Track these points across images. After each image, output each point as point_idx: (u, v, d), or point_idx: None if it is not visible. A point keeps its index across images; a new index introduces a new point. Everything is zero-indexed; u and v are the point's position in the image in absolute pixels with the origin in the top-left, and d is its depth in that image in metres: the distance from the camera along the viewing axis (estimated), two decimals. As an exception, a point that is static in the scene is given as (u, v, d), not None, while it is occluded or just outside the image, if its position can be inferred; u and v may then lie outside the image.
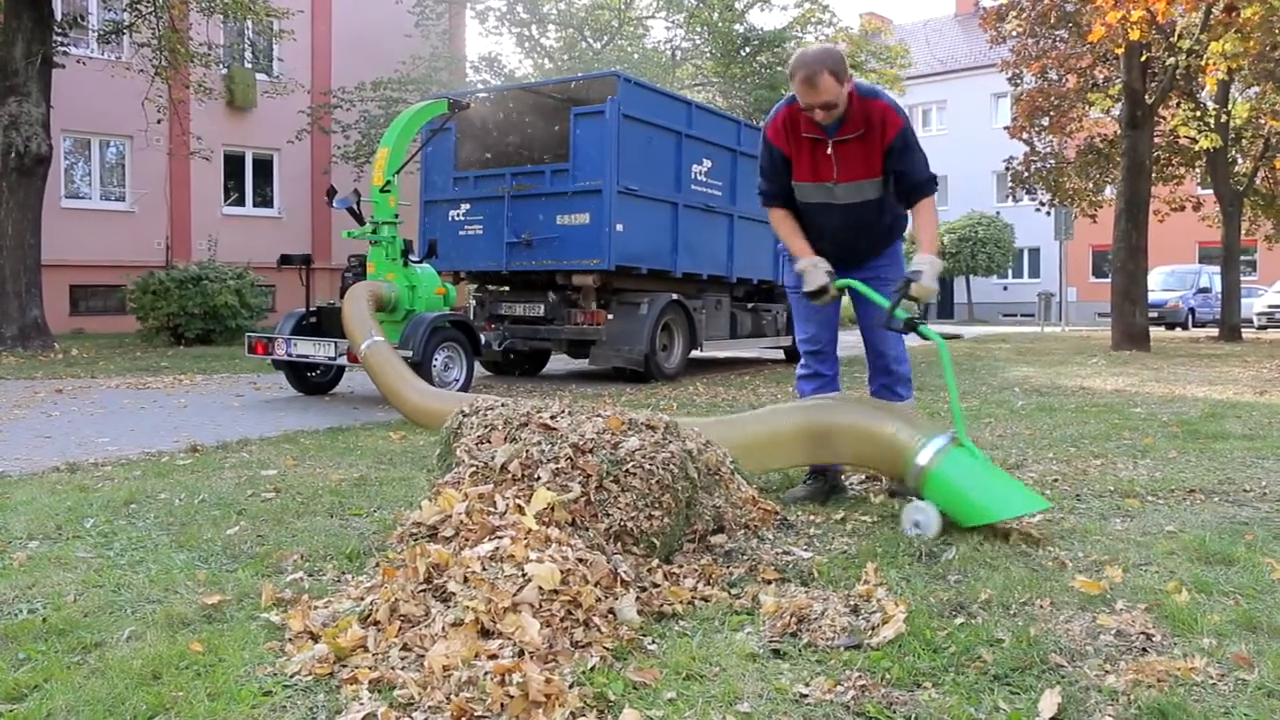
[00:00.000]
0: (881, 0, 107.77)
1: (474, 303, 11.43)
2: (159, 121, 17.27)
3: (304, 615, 2.70)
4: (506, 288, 11.62)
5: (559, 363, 13.12)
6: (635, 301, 10.54)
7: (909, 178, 4.18)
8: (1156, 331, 20.49)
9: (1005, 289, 41.70)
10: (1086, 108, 20.20)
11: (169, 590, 3.08)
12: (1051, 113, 19.46)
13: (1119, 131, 18.19)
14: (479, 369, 9.60)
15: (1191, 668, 2.42)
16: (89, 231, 20.40)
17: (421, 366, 8.16)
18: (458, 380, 8.82)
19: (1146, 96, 16.84)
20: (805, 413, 4.17)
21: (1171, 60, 16.17)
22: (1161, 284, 28.88)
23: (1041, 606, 2.89)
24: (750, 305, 12.85)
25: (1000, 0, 19.11)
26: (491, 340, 10.30)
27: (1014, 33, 19.07)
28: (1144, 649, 2.57)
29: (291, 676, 2.41)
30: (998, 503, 3.63)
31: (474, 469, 3.16)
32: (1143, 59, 16.40)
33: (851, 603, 2.89)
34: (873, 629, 2.69)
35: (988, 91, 41.01)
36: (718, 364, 13.37)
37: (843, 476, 4.55)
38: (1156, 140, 18.50)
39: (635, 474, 3.12)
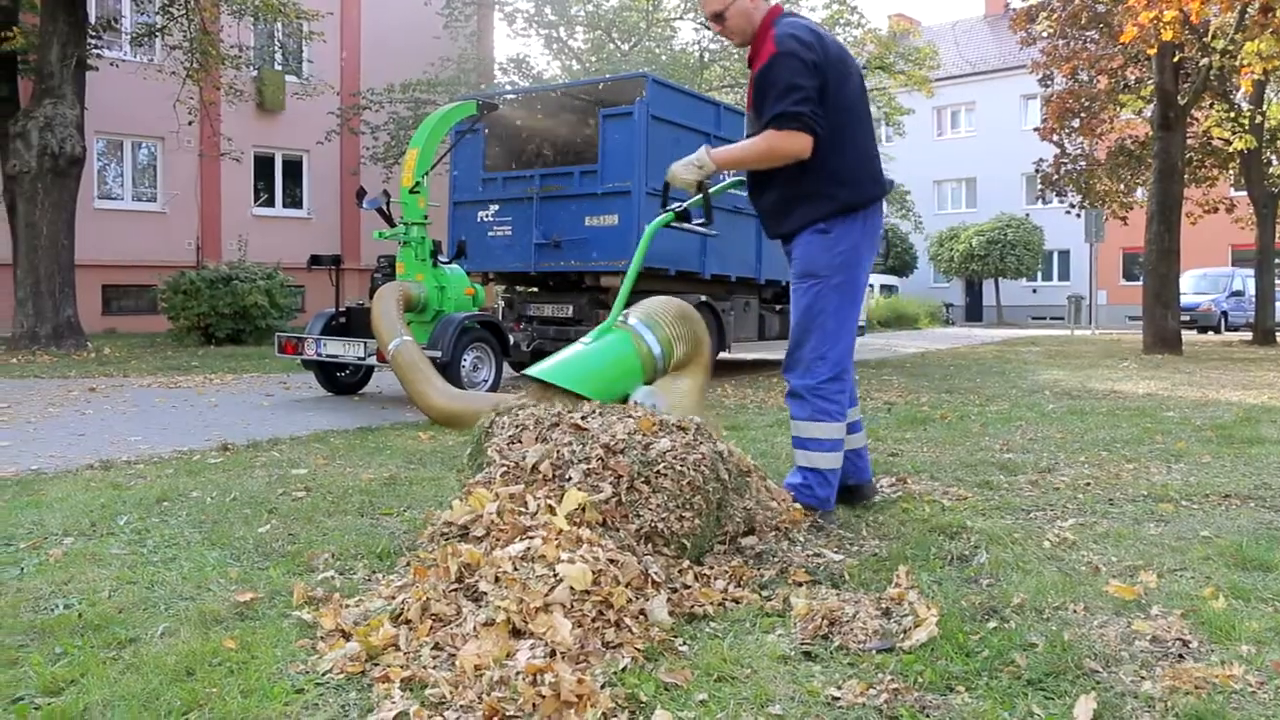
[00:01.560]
0: (910, 1, 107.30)
1: (502, 303, 11.44)
2: (190, 123, 17.41)
3: (336, 613, 2.71)
4: (535, 289, 11.63)
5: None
6: (663, 301, 10.53)
7: (760, 116, 3.79)
8: (1188, 335, 20.31)
9: (1034, 292, 41.43)
10: (1117, 109, 20.04)
11: (202, 587, 3.10)
12: (1082, 114, 19.33)
13: (1150, 133, 18.03)
14: (507, 370, 9.61)
15: (1230, 675, 2.38)
16: (121, 232, 20.62)
17: (450, 367, 8.18)
18: (486, 381, 8.84)
19: (1179, 97, 16.68)
20: None
21: (1205, 61, 16.01)
22: (1194, 287, 28.62)
23: (1075, 611, 2.86)
24: (779, 307, 12.81)
25: (1031, 1, 19.00)
26: (520, 341, 10.32)
27: (1044, 34, 18.95)
28: (1180, 655, 2.54)
29: (323, 674, 2.42)
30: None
31: (505, 469, 3.16)
32: (1175, 59, 16.26)
33: (883, 605, 2.87)
34: (905, 632, 2.67)
35: (1017, 93, 40.78)
36: (746, 366, 13.35)
37: (874, 481, 4.49)
38: (1189, 141, 18.31)
39: (666, 475, 3.11)
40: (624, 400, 3.82)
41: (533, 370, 3.77)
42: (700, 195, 4.01)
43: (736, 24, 3.95)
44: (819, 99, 3.70)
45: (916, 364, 14.28)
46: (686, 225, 4.14)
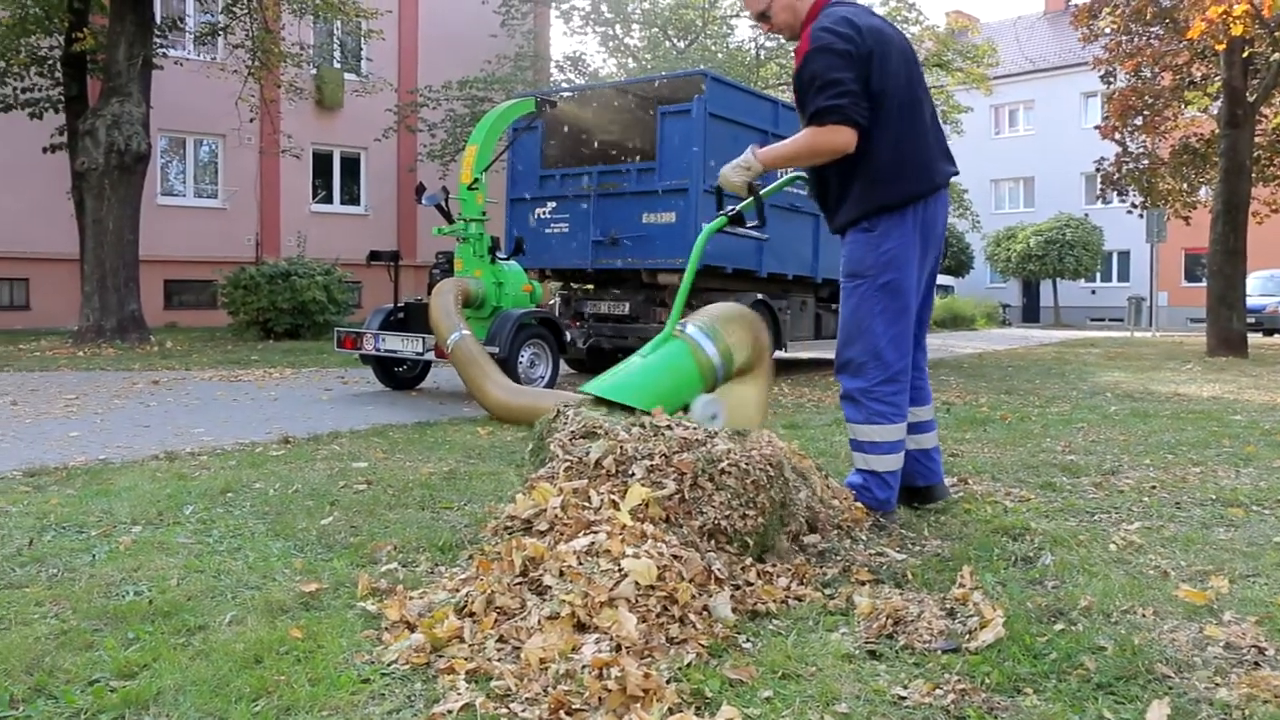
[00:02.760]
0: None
1: (559, 300, 11.48)
2: (251, 120, 17.66)
3: (400, 605, 2.73)
4: (591, 286, 11.66)
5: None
6: (720, 301, 10.51)
7: (801, 113, 3.78)
8: (1254, 338, 19.89)
9: (1093, 293, 40.83)
10: (1182, 106, 19.65)
11: (267, 577, 3.15)
12: (1145, 112, 18.96)
13: (1216, 130, 17.67)
14: (563, 366, 9.65)
15: (1309, 684, 2.33)
16: (183, 228, 20.97)
17: (508, 363, 8.23)
18: (543, 377, 8.87)
19: (1248, 94, 16.33)
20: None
21: (1276, 56, 15.65)
22: (1260, 289, 27.97)
23: (1144, 615, 2.81)
24: (835, 306, 12.71)
25: (1093, -3, 18.68)
26: (576, 338, 10.35)
27: (1107, 30, 18.63)
28: (1256, 663, 2.48)
29: (389, 665, 2.44)
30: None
31: (569, 464, 3.17)
32: (1244, 55, 15.91)
33: (947, 606, 2.84)
34: (970, 633, 2.64)
35: (1077, 90, 40.20)
36: (803, 365, 13.28)
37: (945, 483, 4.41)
38: (1257, 139, 17.90)
39: (730, 473, 3.10)
40: (684, 410, 3.81)
41: (589, 386, 3.75)
42: (752, 198, 3.98)
43: (782, 19, 3.93)
44: (862, 90, 3.65)
45: (974, 365, 14.12)
46: (740, 230, 4.12)
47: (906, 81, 3.81)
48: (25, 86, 16.82)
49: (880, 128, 3.71)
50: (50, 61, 16.90)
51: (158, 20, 16.46)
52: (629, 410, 3.58)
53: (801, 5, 3.88)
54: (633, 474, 3.06)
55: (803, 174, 4.22)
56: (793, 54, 4.07)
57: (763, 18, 3.97)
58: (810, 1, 3.88)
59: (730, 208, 4.09)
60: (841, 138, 3.64)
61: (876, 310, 3.76)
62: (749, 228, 4.10)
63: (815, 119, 3.65)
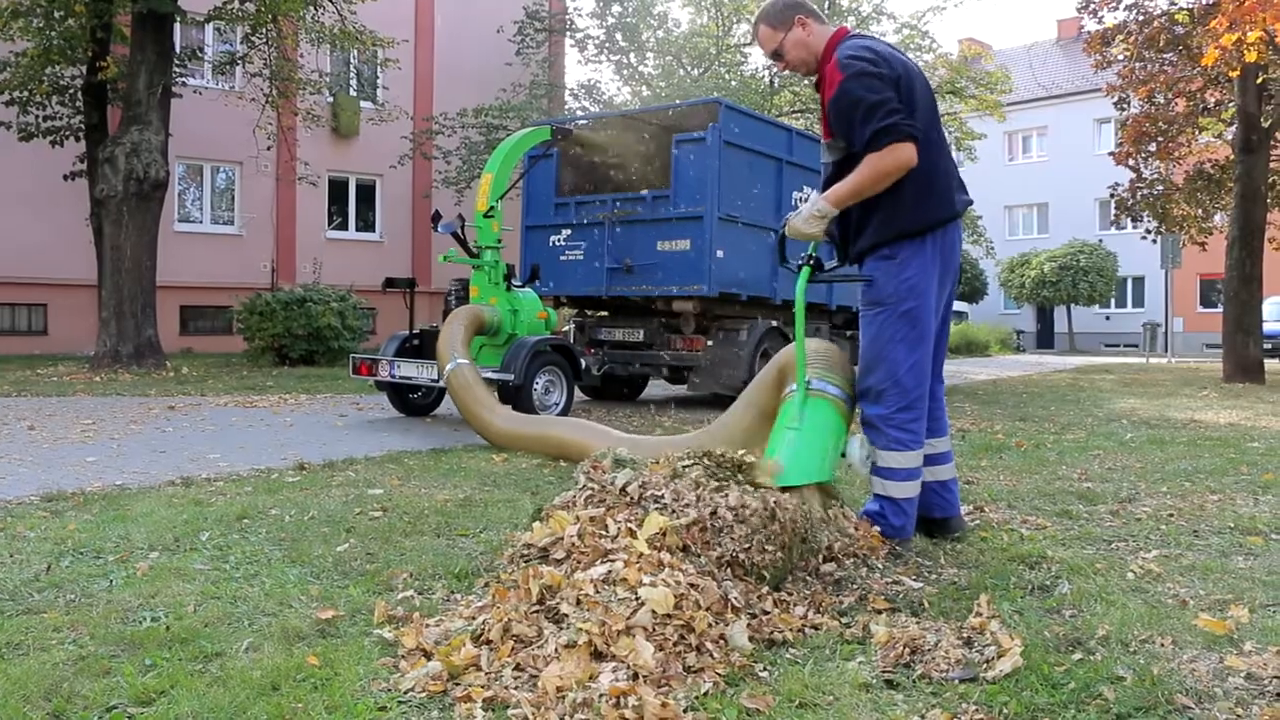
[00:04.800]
0: (982, 26, 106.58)
1: (574, 327, 11.51)
2: (268, 148, 17.80)
3: (417, 633, 2.74)
4: (606, 313, 11.69)
5: (657, 388, 13.15)
6: (735, 328, 10.52)
7: (852, 144, 3.76)
8: (1271, 364, 19.77)
9: (1108, 319, 40.70)
10: (1196, 132, 19.62)
11: (283, 604, 3.15)
12: (1159, 138, 18.94)
13: (1231, 156, 17.65)
14: (578, 393, 9.66)
15: (1332, 715, 2.31)
16: (199, 254, 21.10)
17: (523, 390, 8.25)
18: (558, 404, 8.88)
19: (1263, 120, 16.32)
20: None
21: (1291, 82, 15.65)
22: (1276, 314, 27.86)
23: (1163, 645, 2.79)
24: (850, 333, 12.71)
25: (1106, 24, 18.71)
26: (591, 365, 10.36)
27: (1120, 56, 18.65)
28: (1278, 694, 2.46)
29: (405, 692, 2.44)
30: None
31: (590, 492, 3.17)
32: (1259, 81, 15.91)
33: (964, 635, 2.83)
34: (988, 662, 2.63)
35: (1090, 117, 40.21)
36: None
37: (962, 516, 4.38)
38: (1272, 165, 17.86)
39: (753, 504, 3.10)
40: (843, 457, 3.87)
41: (774, 480, 3.67)
42: (815, 240, 3.97)
43: (796, 56, 3.98)
44: (906, 107, 3.68)
45: (989, 391, 14.08)
46: (833, 275, 4.11)
47: (929, 110, 3.85)
48: (47, 115, 17.00)
49: None
50: (71, 90, 17.08)
51: (177, 50, 16.63)
52: (818, 487, 3.65)
53: (815, 41, 3.93)
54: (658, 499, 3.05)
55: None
56: (806, 82, 4.09)
57: (777, 56, 4.02)
58: (825, 37, 3.93)
59: (803, 255, 4.04)
60: (904, 154, 3.64)
61: (897, 338, 3.78)
62: (830, 267, 4.09)
63: (872, 144, 3.64)
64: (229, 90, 19.34)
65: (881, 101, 3.63)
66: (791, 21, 3.94)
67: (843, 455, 3.86)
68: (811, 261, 4.00)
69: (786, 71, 4.11)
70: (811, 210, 3.81)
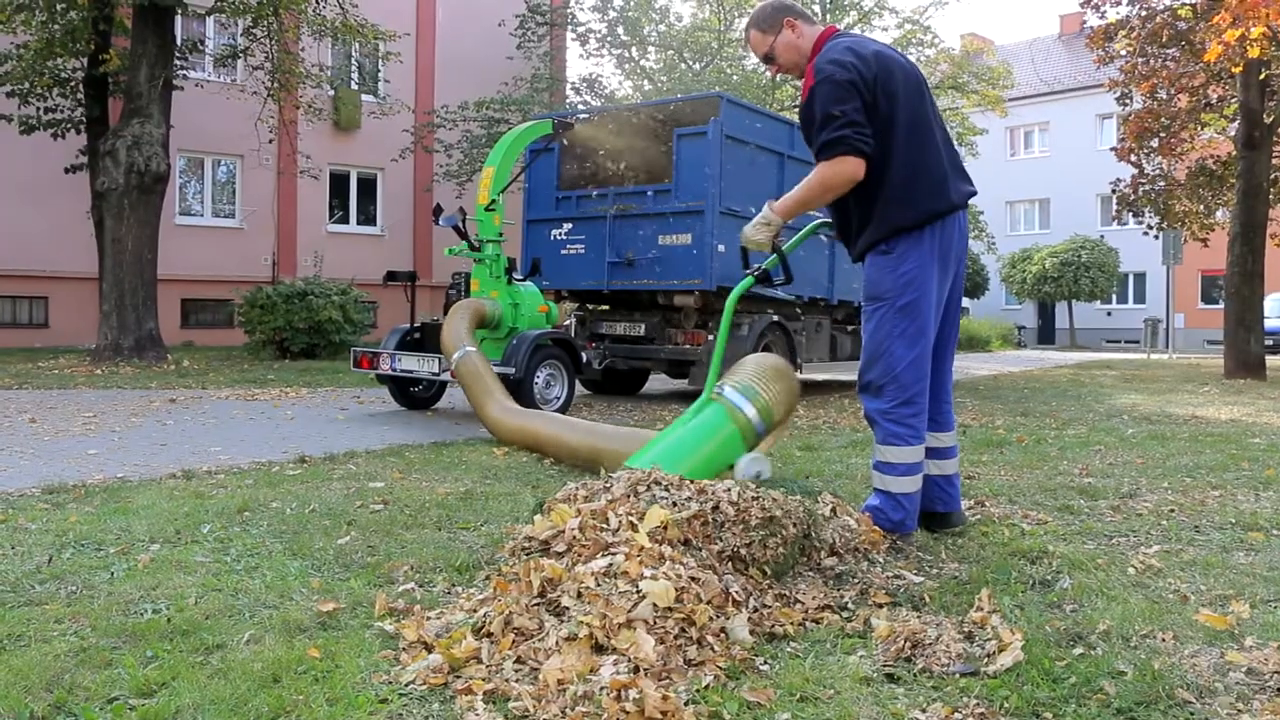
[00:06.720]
0: (984, 21, 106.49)
1: (575, 321, 11.51)
2: (269, 141, 17.79)
3: (418, 625, 2.74)
4: (607, 307, 11.68)
5: (658, 382, 13.14)
6: (735, 322, 10.51)
7: (811, 150, 3.81)
8: (1272, 360, 19.75)
9: (1109, 315, 40.67)
10: (1199, 128, 19.60)
11: (285, 596, 3.15)
12: (1161, 133, 18.91)
13: (1234, 152, 17.62)
14: (579, 387, 9.66)
15: (1333, 710, 2.31)
16: (200, 247, 21.08)
17: (524, 384, 8.25)
18: (559, 398, 8.88)
19: (1265, 116, 16.30)
20: None
21: (1292, 78, 15.64)
22: (1278, 311, 27.86)
23: (1163, 640, 2.79)
24: (851, 328, 12.72)
25: (1108, 20, 18.68)
26: (592, 359, 10.36)
27: (1123, 52, 18.61)
28: (1279, 689, 2.47)
29: (406, 685, 2.44)
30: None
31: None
32: (1262, 77, 15.89)
33: (965, 629, 2.83)
34: (988, 656, 2.63)
35: (1092, 112, 40.15)
36: (818, 386, 13.27)
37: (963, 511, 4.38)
38: (1275, 161, 17.83)
39: (755, 500, 3.10)
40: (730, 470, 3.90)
41: (633, 461, 3.75)
42: (775, 254, 4.04)
43: (788, 59, 4.00)
44: (864, 118, 3.68)
45: (990, 386, 14.08)
46: (768, 290, 4.21)
47: (914, 103, 3.83)
48: (48, 107, 16.99)
49: (891, 151, 3.74)
50: (73, 83, 17.07)
51: (179, 42, 16.60)
52: None
53: (804, 43, 3.94)
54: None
55: (827, 220, 4.22)
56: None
57: (769, 60, 4.05)
58: (814, 38, 3.95)
59: (756, 266, 4.14)
60: (848, 168, 3.68)
61: (895, 333, 3.77)
62: (776, 283, 4.16)
63: (821, 155, 3.71)
64: (230, 83, 19.32)
65: (837, 114, 3.65)
66: (780, 25, 3.96)
67: (730, 468, 3.92)
68: (757, 273, 4.11)
69: (778, 74, 4.14)
70: (760, 218, 3.90)
